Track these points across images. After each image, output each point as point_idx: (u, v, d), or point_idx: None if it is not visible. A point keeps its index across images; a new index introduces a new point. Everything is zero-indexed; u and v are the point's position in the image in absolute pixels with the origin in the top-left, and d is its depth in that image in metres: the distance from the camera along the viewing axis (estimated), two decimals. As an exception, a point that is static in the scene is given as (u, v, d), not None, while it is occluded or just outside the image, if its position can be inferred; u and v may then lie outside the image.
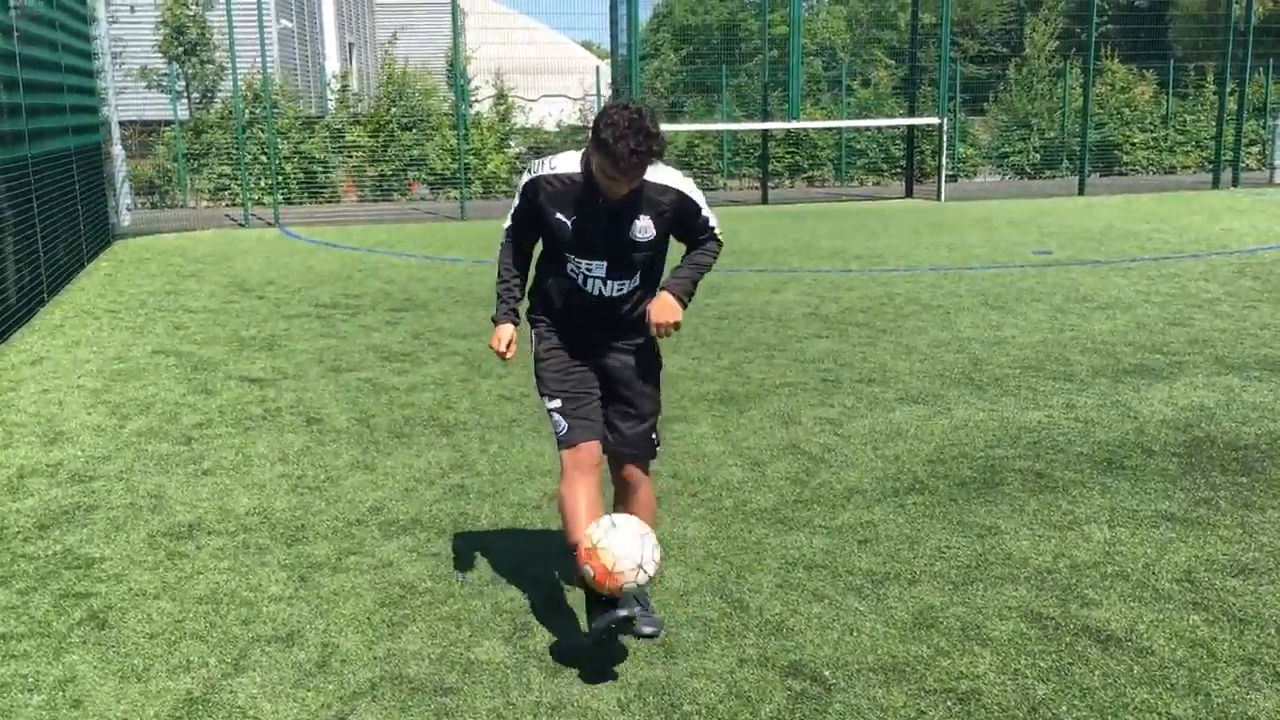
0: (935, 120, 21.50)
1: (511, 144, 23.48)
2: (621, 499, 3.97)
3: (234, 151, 20.37)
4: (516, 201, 3.83)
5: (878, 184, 25.55)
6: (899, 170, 25.24)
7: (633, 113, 3.44)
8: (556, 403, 3.80)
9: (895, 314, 9.57)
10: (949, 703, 3.40)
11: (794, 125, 22.06)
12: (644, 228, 3.72)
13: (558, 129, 24.55)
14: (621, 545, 3.46)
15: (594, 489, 3.80)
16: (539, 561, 4.52)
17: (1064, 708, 3.36)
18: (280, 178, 20.74)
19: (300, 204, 21.88)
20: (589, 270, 3.73)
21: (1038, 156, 26.29)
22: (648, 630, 3.55)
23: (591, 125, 3.54)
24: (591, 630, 3.58)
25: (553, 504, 5.15)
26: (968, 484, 5.32)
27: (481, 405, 6.85)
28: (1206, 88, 27.16)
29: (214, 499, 5.31)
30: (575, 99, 26.20)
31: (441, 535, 4.81)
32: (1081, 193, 21.60)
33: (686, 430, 6.26)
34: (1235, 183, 22.58)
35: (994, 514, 4.93)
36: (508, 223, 3.88)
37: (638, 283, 3.79)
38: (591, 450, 3.81)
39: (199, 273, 12.94)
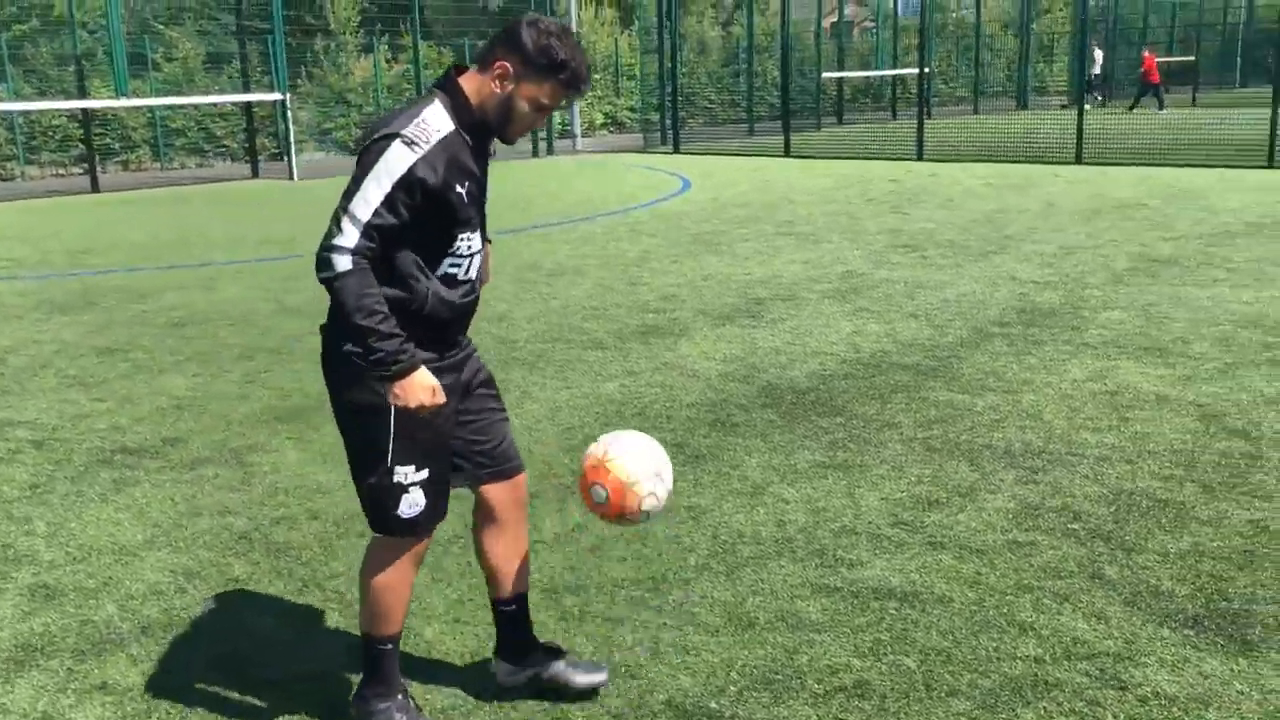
0: (277, 95, 20.49)
1: None
2: (501, 532, 3.09)
3: None
4: (382, 197, 2.58)
5: (200, 165, 23.83)
6: (222, 149, 23.82)
7: (560, 24, 2.73)
8: (424, 474, 2.83)
9: (370, 300, 8.92)
10: (855, 702, 3.17)
11: (126, 103, 19.70)
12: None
13: None
14: (635, 461, 2.94)
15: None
16: (255, 661, 3.47)
17: (950, 680, 3.29)
18: None
19: None
20: (472, 247, 2.87)
21: (358, 132, 26.34)
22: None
23: (514, 46, 2.69)
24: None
25: (210, 575, 4.00)
26: (626, 467, 5.08)
27: (-36, 472, 5.13)
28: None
29: None
30: None
31: (89, 660, 3.48)
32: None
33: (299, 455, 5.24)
34: (550, 151, 24.57)
35: (681, 491, 4.75)
36: (355, 238, 2.58)
37: None
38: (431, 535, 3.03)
39: None
